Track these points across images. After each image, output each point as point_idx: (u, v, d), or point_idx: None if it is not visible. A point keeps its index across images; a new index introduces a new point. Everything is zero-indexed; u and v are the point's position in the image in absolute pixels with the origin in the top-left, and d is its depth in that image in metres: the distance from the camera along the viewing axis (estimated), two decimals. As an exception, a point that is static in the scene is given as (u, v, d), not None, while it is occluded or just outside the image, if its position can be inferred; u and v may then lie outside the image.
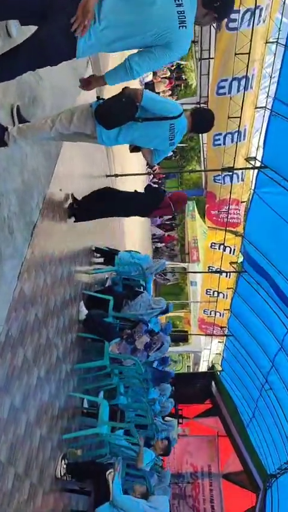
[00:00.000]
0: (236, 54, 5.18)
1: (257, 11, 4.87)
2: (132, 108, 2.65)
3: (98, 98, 2.71)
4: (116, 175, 7.08)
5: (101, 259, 5.84)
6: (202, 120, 2.87)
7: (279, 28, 5.11)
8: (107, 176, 6.82)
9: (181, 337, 14.80)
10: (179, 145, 26.21)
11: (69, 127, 2.68)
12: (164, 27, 2.00)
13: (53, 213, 3.81)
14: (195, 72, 13.72)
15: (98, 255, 5.68)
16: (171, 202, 4.70)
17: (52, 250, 3.74)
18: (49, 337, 3.58)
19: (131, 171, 9.88)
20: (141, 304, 4.75)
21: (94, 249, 5.51)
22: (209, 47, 9.07)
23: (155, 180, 19.28)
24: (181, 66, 22.27)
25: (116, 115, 2.65)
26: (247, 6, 4.77)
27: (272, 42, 5.29)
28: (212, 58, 7.78)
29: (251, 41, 5.02)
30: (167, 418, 8.74)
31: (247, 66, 5.30)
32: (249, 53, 5.16)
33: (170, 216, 23.03)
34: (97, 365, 4.47)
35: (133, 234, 12.19)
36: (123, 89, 2.68)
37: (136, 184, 11.94)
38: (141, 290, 5.55)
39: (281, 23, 5.09)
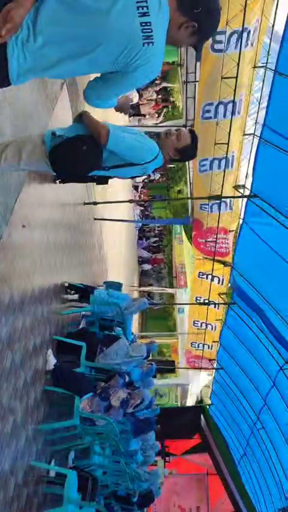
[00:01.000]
0: (222, 78, 4.84)
1: (245, 34, 4.56)
2: (96, 160, 2.21)
3: (53, 133, 2.20)
4: (95, 203, 6.61)
5: (76, 296, 5.28)
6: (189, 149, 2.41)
7: (268, 52, 4.81)
8: (85, 204, 6.34)
9: (168, 369, 14.13)
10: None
11: (18, 165, 2.18)
12: (123, 45, 1.50)
13: (12, 254, 3.28)
14: (181, 95, 13.58)
15: (72, 291, 5.13)
16: None
17: (10, 298, 3.19)
18: (2, 404, 2.98)
19: (114, 196, 9.45)
20: (118, 352, 4.19)
21: (67, 285, 4.97)
22: (195, 70, 8.84)
23: (141, 203, 18.94)
24: (168, 89, 22.33)
25: (74, 170, 2.22)
26: (234, 28, 4.46)
27: (261, 67, 4.99)
28: (198, 81, 7.50)
29: (238, 64, 4.70)
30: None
31: (234, 90, 4.96)
32: (236, 77, 4.83)
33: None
34: (65, 425, 3.86)
35: (117, 259, 11.68)
36: (79, 115, 2.20)
37: (119, 210, 11.52)
38: (119, 334, 4.99)
39: (270, 47, 4.79)
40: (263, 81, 5.03)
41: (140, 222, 19.28)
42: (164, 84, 21.05)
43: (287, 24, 4.31)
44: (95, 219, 7.34)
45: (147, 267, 21.46)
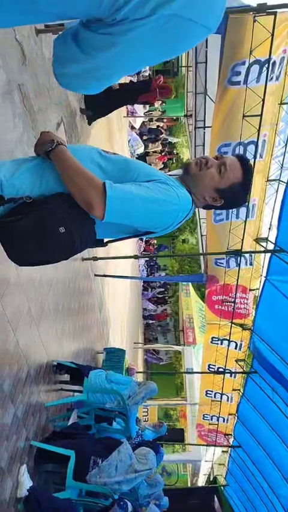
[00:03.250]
0: (244, 116, 4.14)
1: (269, 65, 3.92)
2: (83, 245, 1.25)
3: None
4: (95, 258, 5.72)
5: (67, 375, 4.23)
6: (239, 190, 1.43)
7: (297, 87, 4.16)
8: (84, 260, 5.45)
9: (176, 437, 12.53)
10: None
11: None
12: None
13: None
14: (188, 145, 13.30)
15: (62, 371, 4.07)
16: (157, 87, 6.89)
17: None
18: None
19: (117, 249, 8.62)
20: (118, 466, 3.06)
21: (55, 364, 3.93)
22: (204, 118, 8.37)
23: (147, 255, 18.08)
24: (173, 143, 22.59)
25: (42, 261, 1.27)
26: (256, 57, 3.82)
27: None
28: (208, 127, 6.93)
29: (263, 100, 4.01)
30: None
31: (258, 131, 4.24)
32: (260, 115, 4.13)
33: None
34: None
35: (120, 315, 10.61)
36: (42, 145, 1.24)
37: (123, 262, 10.62)
38: (120, 425, 3.86)
39: (299, 82, 4.15)
40: (291, 119, 4.34)
41: (147, 279, 18.16)
42: (169, 139, 21.34)
43: None
44: (96, 275, 6.43)
45: (151, 321, 20.19)
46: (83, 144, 1.81)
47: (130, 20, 0.86)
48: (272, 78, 4.11)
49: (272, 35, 3.60)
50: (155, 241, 20.93)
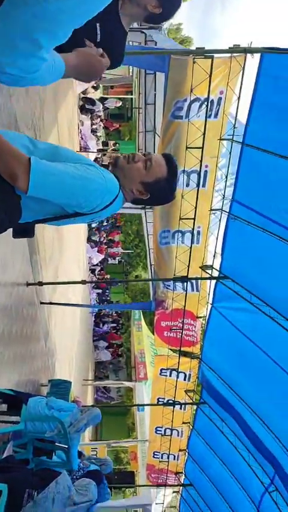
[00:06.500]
0: (187, 147, 4.43)
1: (208, 103, 4.29)
2: (7, 218, 1.25)
3: None
4: (41, 283, 5.57)
5: (4, 405, 3.94)
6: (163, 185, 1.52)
7: (234, 125, 4.54)
8: (28, 285, 5.29)
9: (126, 481, 11.89)
10: (124, 251, 26.00)
11: None
12: None
13: None
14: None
15: (0, 400, 3.80)
16: None
17: None
18: None
19: (67, 277, 8.48)
20: (56, 498, 2.83)
21: (-8, 392, 3.66)
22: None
23: (97, 289, 17.93)
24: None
25: None
26: (197, 95, 4.17)
27: (227, 139, 4.68)
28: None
29: (204, 134, 4.34)
30: None
31: (201, 161, 4.53)
32: (202, 148, 4.44)
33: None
34: None
35: (69, 349, 10.23)
36: None
37: (73, 293, 10.42)
38: (61, 458, 3.61)
39: (236, 120, 4.54)
40: (230, 154, 4.69)
41: (97, 307, 17.99)
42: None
43: (254, 94, 4.06)
44: (42, 303, 6.23)
45: (104, 356, 19.62)
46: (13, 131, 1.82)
47: None
48: (210, 115, 4.47)
49: (210, 76, 3.97)
50: (108, 276, 20.89)
